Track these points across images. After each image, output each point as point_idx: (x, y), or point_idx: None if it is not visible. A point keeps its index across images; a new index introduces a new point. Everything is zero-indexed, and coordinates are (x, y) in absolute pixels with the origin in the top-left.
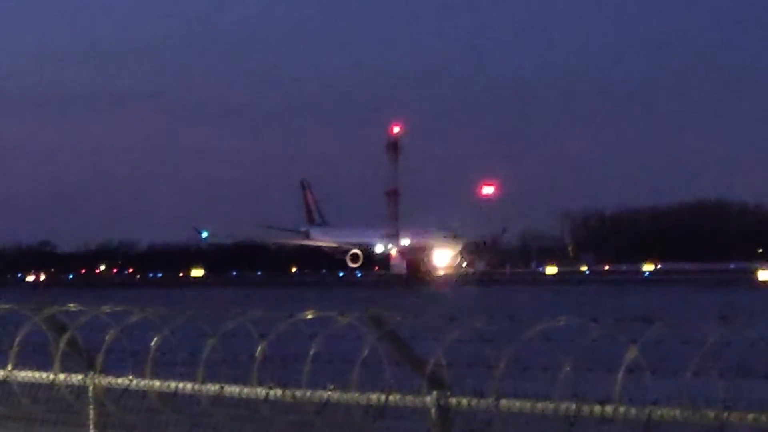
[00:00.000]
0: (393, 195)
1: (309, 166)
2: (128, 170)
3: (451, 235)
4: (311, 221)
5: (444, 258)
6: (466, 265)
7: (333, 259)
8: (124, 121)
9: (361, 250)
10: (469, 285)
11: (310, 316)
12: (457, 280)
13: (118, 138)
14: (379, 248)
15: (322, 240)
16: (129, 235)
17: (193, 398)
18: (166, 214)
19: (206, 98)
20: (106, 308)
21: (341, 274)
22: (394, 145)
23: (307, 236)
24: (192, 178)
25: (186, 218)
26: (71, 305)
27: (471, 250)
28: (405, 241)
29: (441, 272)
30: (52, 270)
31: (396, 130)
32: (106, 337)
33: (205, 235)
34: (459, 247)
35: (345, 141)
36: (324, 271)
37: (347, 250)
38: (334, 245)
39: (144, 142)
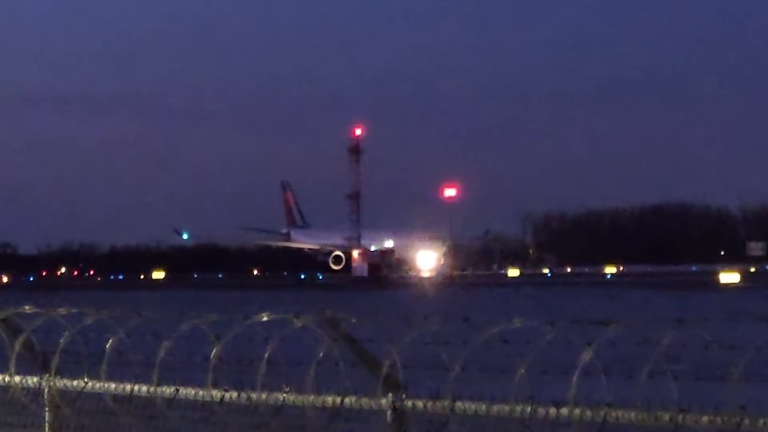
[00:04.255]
0: (355, 197)
1: (288, 167)
2: (95, 172)
3: (435, 237)
4: (292, 223)
5: (428, 260)
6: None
7: (310, 261)
8: (90, 122)
9: (343, 252)
10: (429, 287)
11: (265, 318)
12: (436, 282)
13: (85, 139)
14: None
15: (303, 242)
16: (98, 237)
17: (148, 400)
18: (133, 217)
19: (176, 101)
20: (62, 310)
21: (302, 276)
22: (356, 148)
23: (289, 238)
24: (160, 180)
25: (155, 221)
26: (27, 307)
27: (445, 253)
28: (388, 243)
29: (424, 274)
30: (13, 272)
31: (358, 132)
32: (62, 340)
33: (185, 236)
34: (442, 250)
35: (325, 142)
36: (285, 273)
37: (329, 252)
38: (316, 247)
39: (112, 144)
